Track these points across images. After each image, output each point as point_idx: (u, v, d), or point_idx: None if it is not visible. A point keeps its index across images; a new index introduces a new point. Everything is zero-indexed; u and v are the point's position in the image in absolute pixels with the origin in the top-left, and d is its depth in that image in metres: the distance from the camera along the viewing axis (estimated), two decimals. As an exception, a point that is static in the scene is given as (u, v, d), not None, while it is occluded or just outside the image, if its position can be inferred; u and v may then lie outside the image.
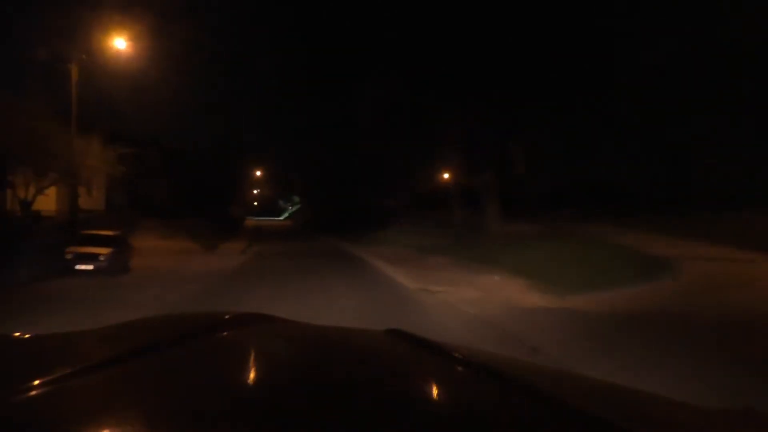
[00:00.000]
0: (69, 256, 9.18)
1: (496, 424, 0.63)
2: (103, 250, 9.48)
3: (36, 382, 0.62)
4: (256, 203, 70.85)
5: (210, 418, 0.58)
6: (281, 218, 59.25)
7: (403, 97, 16.80)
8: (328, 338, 1.20)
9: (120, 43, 13.45)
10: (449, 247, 12.30)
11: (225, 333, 1.06)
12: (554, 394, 0.71)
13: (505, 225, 12.82)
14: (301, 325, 1.29)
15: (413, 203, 27.21)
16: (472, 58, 13.04)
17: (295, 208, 62.04)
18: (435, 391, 0.79)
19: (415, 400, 0.72)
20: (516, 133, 13.51)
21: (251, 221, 44.54)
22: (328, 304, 6.84)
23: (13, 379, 0.69)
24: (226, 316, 1.16)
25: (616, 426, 0.60)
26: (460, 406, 0.71)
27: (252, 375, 0.83)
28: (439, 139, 17.89)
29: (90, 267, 9.16)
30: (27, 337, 1.02)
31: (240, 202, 41.92)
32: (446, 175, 27.22)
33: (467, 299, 7.29)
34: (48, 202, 15.18)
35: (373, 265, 11.78)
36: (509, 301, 7.17)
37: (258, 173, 46.62)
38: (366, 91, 22.00)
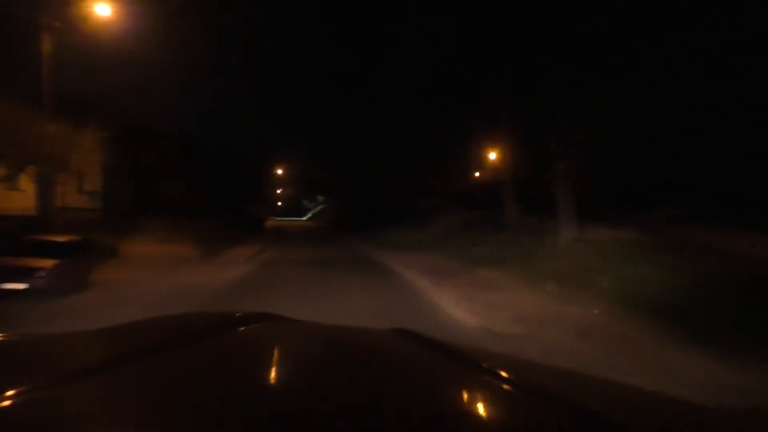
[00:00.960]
0: (-8, 272, 6.70)
1: (502, 422, 0.63)
2: (45, 263, 6.94)
3: (42, 383, 0.63)
4: (280, 203, 69.38)
5: (219, 415, 0.57)
6: (305, 219, 57.13)
7: (445, 72, 13.86)
8: (336, 337, 1.20)
9: (102, 9, 11.14)
10: (509, 258, 9.37)
11: (234, 332, 1.08)
12: (560, 393, 0.72)
13: (582, 230, 9.77)
14: (309, 324, 1.31)
15: (457, 202, 24.15)
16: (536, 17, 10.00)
17: (318, 209, 59.89)
18: (441, 390, 0.78)
19: (421, 399, 0.71)
20: (590, 114, 10.50)
21: (273, 221, 42.48)
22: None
23: (26, 378, 0.69)
24: (237, 315, 1.20)
25: (621, 424, 0.60)
26: (466, 405, 0.70)
27: (262, 373, 0.82)
28: (490, 123, 14.83)
29: (22, 286, 6.63)
30: (44, 336, 1.08)
31: (262, 202, 39.96)
32: (493, 169, 24.18)
33: (569, 355, 4.33)
34: (26, 198, 13.06)
35: (409, 281, 8.88)
36: (654, 367, 4.10)
37: (280, 171, 44.54)
38: (401, 68, 19.08)
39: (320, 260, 12.32)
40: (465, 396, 0.76)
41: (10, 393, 0.60)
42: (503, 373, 0.82)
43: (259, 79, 53.61)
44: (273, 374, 0.82)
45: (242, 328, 1.13)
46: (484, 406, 0.69)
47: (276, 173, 45.51)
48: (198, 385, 0.72)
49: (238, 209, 27.85)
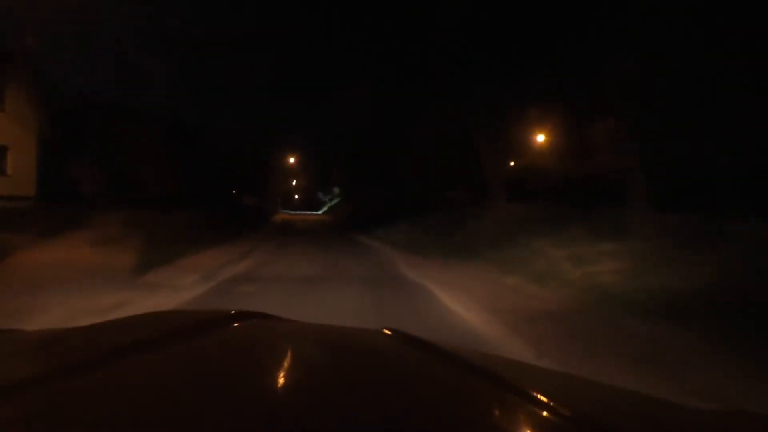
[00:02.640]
0: None
1: (491, 424, 0.63)
2: None
3: (25, 380, 0.62)
4: (297, 196, 65.33)
5: (206, 415, 0.57)
6: (320, 213, 52.82)
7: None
8: (326, 336, 1.20)
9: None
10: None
11: (223, 329, 1.06)
12: (547, 395, 0.70)
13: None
14: (298, 324, 1.29)
15: (498, 193, 19.34)
16: None
17: (334, 202, 55.56)
18: (430, 391, 0.77)
19: (409, 399, 0.70)
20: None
21: (284, 216, 38.35)
22: None
23: (13, 374, 0.69)
24: (226, 313, 1.16)
25: (606, 426, 0.60)
26: (456, 406, 0.69)
27: (251, 371, 0.80)
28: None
29: None
30: (28, 332, 1.06)
31: (270, 194, 35.77)
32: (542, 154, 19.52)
33: None
34: None
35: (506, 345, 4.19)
36: None
37: (292, 160, 40.15)
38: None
39: (322, 278, 7.70)
40: (455, 397, 0.73)
41: None
42: (496, 375, 0.80)
43: (267, 57, 48.04)
44: (262, 372, 0.80)
45: (231, 326, 1.08)
46: (476, 408, 0.68)
47: (287, 163, 41.17)
48: (185, 384, 0.70)
49: (237, 201, 23.58)
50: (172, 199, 20.75)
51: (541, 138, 24.50)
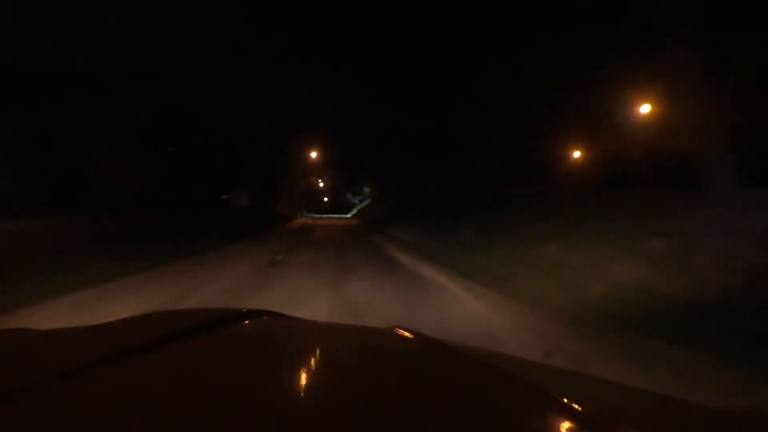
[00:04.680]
0: None
1: (500, 422, 0.63)
2: None
3: (29, 381, 0.62)
4: (326, 199, 60.17)
5: (218, 413, 0.56)
6: (348, 216, 47.10)
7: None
8: (338, 334, 1.20)
9: None
10: None
11: (234, 327, 1.06)
12: (562, 393, 0.70)
13: None
14: (309, 322, 1.31)
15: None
16: None
17: (365, 203, 49.76)
18: (445, 390, 0.75)
19: (424, 398, 0.69)
20: None
21: (305, 219, 32.92)
22: None
23: (27, 373, 0.69)
24: (236, 311, 1.15)
25: (611, 425, 0.60)
26: (464, 404, 0.68)
27: (262, 369, 0.79)
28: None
29: None
30: (32, 332, 1.06)
31: (287, 194, 30.44)
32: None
33: None
34: None
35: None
36: None
37: (314, 155, 34.55)
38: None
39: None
40: (471, 395, 0.72)
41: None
42: (507, 374, 0.79)
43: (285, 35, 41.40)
44: (274, 370, 0.78)
45: (242, 324, 1.09)
46: (493, 407, 0.67)
47: (312, 160, 35.68)
48: (196, 381, 0.69)
49: (231, 201, 18.14)
50: (142, 199, 15.52)
51: (645, 108, 17.74)
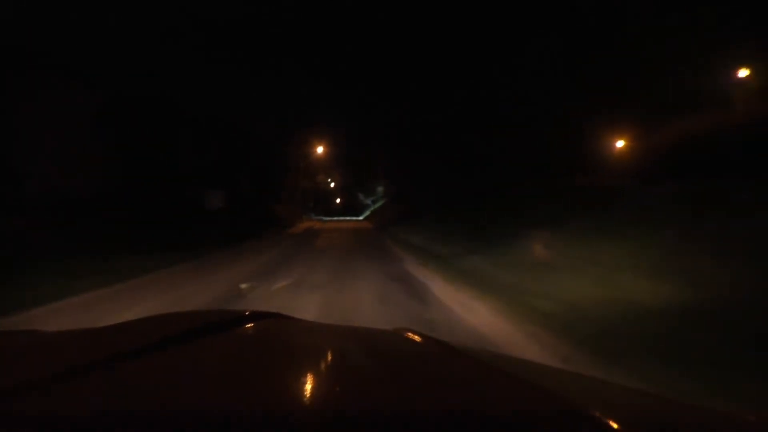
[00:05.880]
0: None
1: (505, 423, 0.62)
2: None
3: (41, 380, 0.62)
4: (338, 200, 56.41)
5: (225, 415, 0.55)
6: (360, 218, 43.20)
7: None
8: (346, 336, 1.19)
9: None
10: None
11: (241, 329, 1.06)
12: (558, 393, 0.71)
13: None
14: (316, 324, 1.31)
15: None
16: None
17: (378, 204, 45.79)
18: (450, 390, 0.74)
19: (429, 398, 0.68)
20: None
21: (311, 223, 29.31)
22: None
23: (36, 373, 0.69)
24: (243, 313, 1.15)
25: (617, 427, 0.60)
26: (468, 405, 0.67)
27: (270, 371, 0.77)
28: None
29: None
30: (40, 333, 1.08)
31: (289, 195, 26.75)
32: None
33: None
34: None
35: None
36: None
37: (320, 149, 30.68)
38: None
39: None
40: (475, 396, 0.71)
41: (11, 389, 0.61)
42: (512, 375, 0.80)
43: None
44: (282, 372, 0.76)
45: (249, 325, 1.08)
46: (489, 407, 0.66)
47: (315, 157, 31.89)
48: (204, 383, 0.68)
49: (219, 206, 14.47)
50: (87, 197, 11.93)
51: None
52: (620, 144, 17.91)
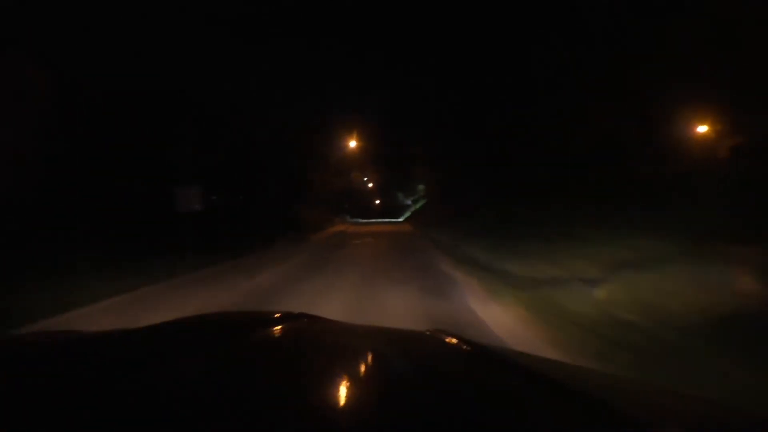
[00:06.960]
0: None
1: (547, 425, 0.60)
2: None
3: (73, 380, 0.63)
4: (378, 201, 52.88)
5: (260, 415, 0.55)
6: (400, 220, 39.44)
7: None
8: (378, 337, 1.16)
9: None
10: None
11: (274, 330, 1.07)
12: (585, 392, 0.69)
13: None
14: (347, 325, 1.30)
15: None
16: None
17: (419, 204, 41.81)
18: (476, 391, 0.73)
19: (457, 400, 0.67)
20: None
21: (342, 227, 26.07)
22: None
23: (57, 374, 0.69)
24: (274, 314, 1.17)
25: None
26: (504, 407, 0.66)
27: (303, 371, 0.77)
28: None
29: None
30: (75, 333, 1.10)
31: (314, 196, 23.51)
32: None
33: None
34: None
35: None
36: None
37: (353, 144, 27.13)
38: None
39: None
40: (503, 397, 0.70)
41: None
42: (552, 380, 0.76)
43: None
44: (315, 372, 0.77)
45: (282, 326, 1.09)
46: (527, 409, 0.65)
47: (348, 152, 28.47)
48: (238, 383, 0.68)
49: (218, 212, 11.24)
50: (27, 196, 8.99)
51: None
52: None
